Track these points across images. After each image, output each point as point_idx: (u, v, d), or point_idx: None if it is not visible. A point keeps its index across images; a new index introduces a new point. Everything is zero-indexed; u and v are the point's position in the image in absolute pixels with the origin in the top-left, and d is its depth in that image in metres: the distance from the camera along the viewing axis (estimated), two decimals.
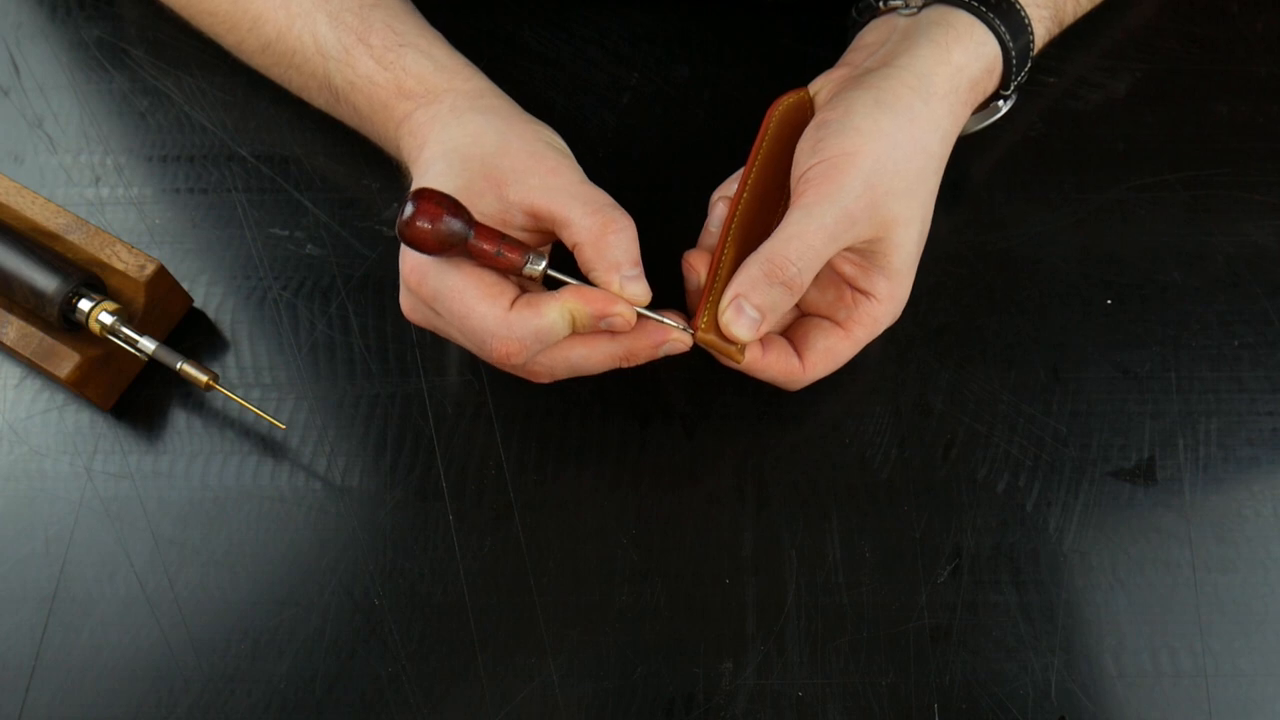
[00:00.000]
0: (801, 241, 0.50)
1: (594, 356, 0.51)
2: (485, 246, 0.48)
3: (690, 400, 0.58)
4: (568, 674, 0.53)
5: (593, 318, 0.49)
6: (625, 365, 0.52)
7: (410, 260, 0.50)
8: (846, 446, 0.57)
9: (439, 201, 0.47)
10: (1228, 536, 0.55)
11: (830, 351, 0.53)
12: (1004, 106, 0.59)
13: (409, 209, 0.47)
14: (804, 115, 0.55)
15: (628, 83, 0.66)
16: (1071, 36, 0.63)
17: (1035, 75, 0.64)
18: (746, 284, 0.49)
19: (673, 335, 0.51)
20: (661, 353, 0.51)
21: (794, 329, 0.55)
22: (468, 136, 0.52)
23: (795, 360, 0.53)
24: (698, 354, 0.54)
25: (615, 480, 0.56)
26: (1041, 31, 0.57)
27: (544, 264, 0.49)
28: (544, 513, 0.56)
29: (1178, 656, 0.53)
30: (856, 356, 0.56)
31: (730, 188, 0.55)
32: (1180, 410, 0.58)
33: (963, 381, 0.58)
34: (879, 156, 0.51)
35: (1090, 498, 0.56)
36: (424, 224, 0.47)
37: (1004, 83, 0.57)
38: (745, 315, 0.49)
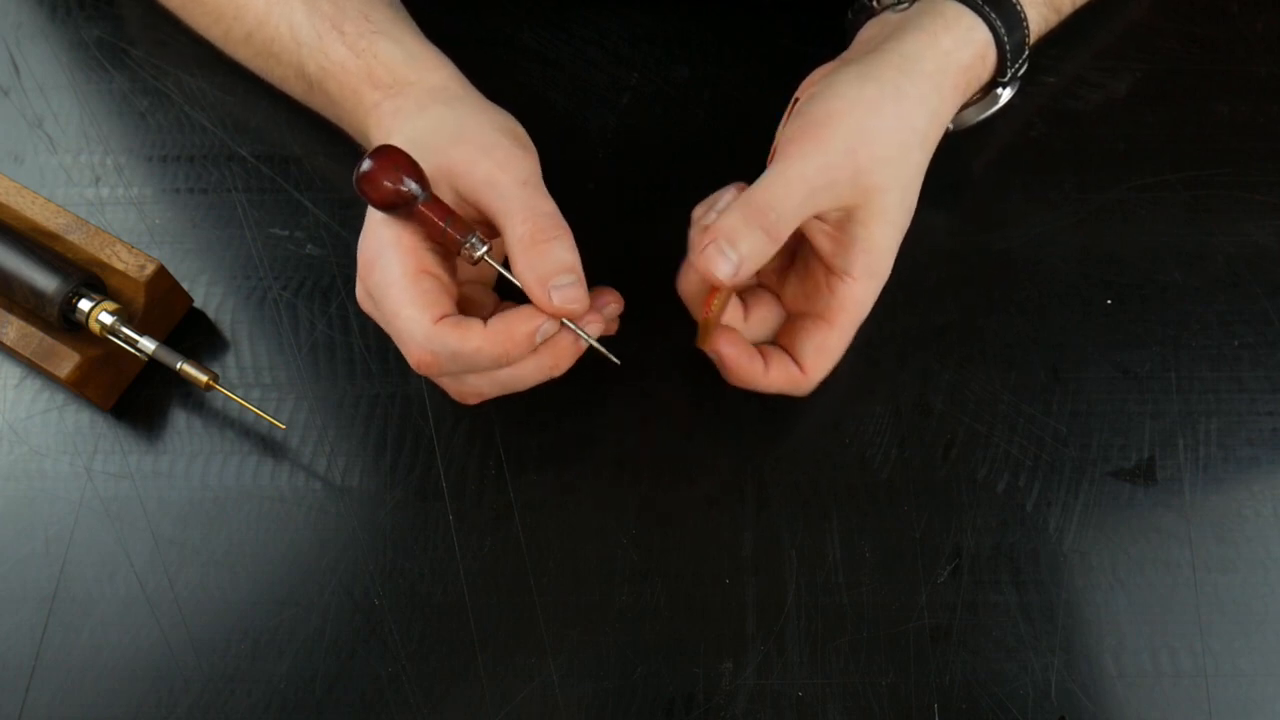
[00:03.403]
0: (781, 188, 0.49)
1: (521, 373, 0.51)
2: (432, 215, 0.49)
3: (690, 400, 0.58)
4: (568, 674, 0.53)
5: (526, 337, 0.49)
6: (555, 375, 0.52)
7: (363, 251, 0.51)
8: (846, 446, 0.57)
9: (398, 159, 0.48)
10: (1228, 536, 0.55)
11: (823, 349, 0.53)
12: (1004, 95, 0.59)
13: (367, 163, 0.48)
14: None
15: (628, 83, 0.66)
16: (1071, 36, 0.63)
17: (1035, 75, 0.64)
18: (725, 227, 0.49)
19: (590, 325, 0.50)
20: (584, 345, 0.51)
21: (783, 337, 0.55)
22: (428, 128, 0.52)
23: (794, 368, 0.53)
24: (700, 352, 0.54)
25: (615, 481, 0.56)
26: (1036, 18, 0.57)
27: (484, 250, 0.49)
28: (544, 513, 0.56)
29: (1178, 656, 0.53)
30: (858, 358, 0.56)
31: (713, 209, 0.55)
32: (1180, 410, 0.58)
33: (963, 381, 0.58)
34: (861, 119, 0.51)
35: (1090, 498, 0.56)
36: (380, 178, 0.48)
37: (1000, 70, 0.57)
38: (725, 256, 0.49)
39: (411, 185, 0.48)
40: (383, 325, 0.51)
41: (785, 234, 0.49)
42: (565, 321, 0.50)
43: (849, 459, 0.57)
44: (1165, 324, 0.59)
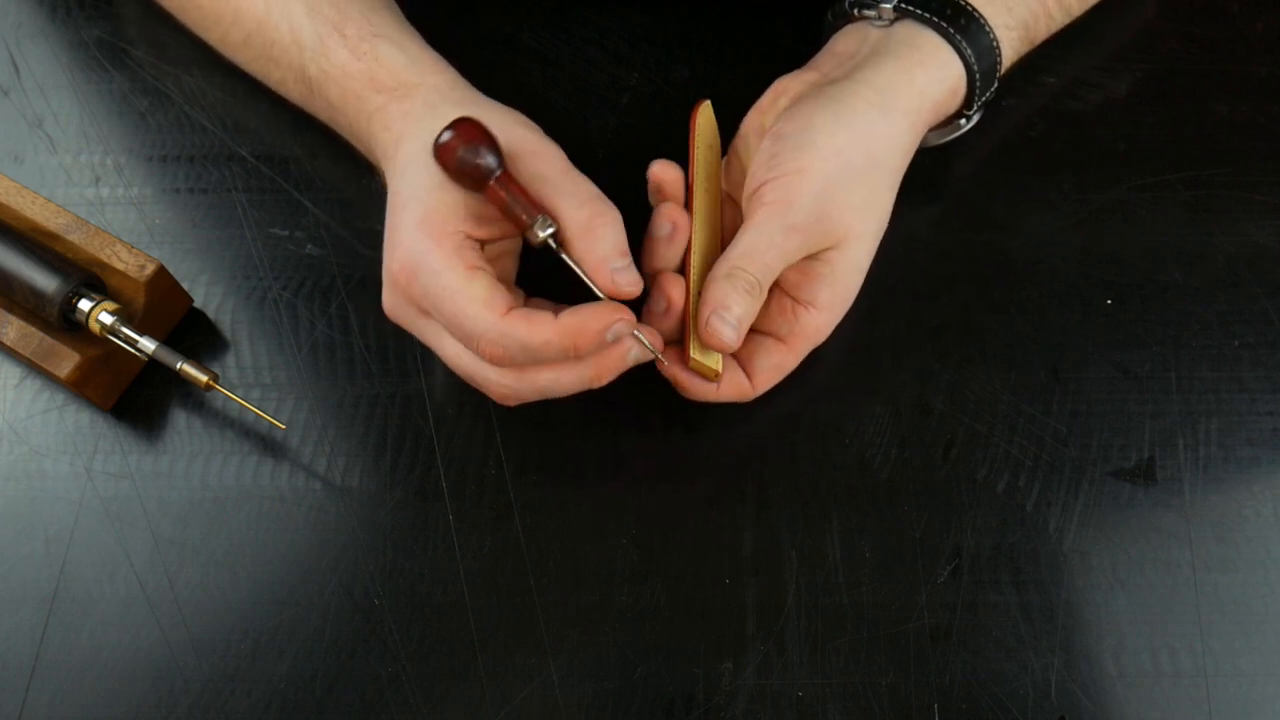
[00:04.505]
0: (757, 257, 0.51)
1: (563, 379, 0.51)
2: (503, 194, 0.49)
3: (690, 400, 0.58)
4: (568, 674, 0.53)
5: (596, 334, 0.49)
6: (594, 385, 0.51)
7: (400, 259, 0.50)
8: (846, 446, 0.57)
9: (478, 131, 0.49)
10: (1228, 536, 0.55)
11: (778, 368, 0.54)
12: (966, 125, 0.59)
13: (447, 134, 0.49)
14: (711, 122, 0.58)
15: (628, 83, 0.66)
16: (1071, 36, 0.63)
17: (1035, 75, 0.64)
18: (720, 297, 0.51)
19: (635, 346, 0.51)
20: (630, 360, 0.51)
21: (739, 348, 0.55)
22: (442, 126, 0.52)
23: (745, 379, 0.54)
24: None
25: (615, 480, 0.56)
26: (1010, 52, 0.58)
27: (551, 230, 0.49)
28: (544, 513, 0.56)
29: (1178, 656, 0.53)
30: (858, 358, 0.57)
31: (665, 173, 0.55)
32: (1180, 410, 0.58)
33: (963, 381, 0.58)
34: (831, 174, 0.52)
35: (1090, 498, 0.56)
36: (458, 148, 0.48)
37: (967, 102, 0.57)
38: (727, 324, 0.51)
39: (490, 160, 0.49)
40: (432, 328, 0.51)
41: (767, 286, 0.52)
42: (636, 333, 0.50)
43: (849, 459, 0.57)
44: (1165, 324, 0.59)
